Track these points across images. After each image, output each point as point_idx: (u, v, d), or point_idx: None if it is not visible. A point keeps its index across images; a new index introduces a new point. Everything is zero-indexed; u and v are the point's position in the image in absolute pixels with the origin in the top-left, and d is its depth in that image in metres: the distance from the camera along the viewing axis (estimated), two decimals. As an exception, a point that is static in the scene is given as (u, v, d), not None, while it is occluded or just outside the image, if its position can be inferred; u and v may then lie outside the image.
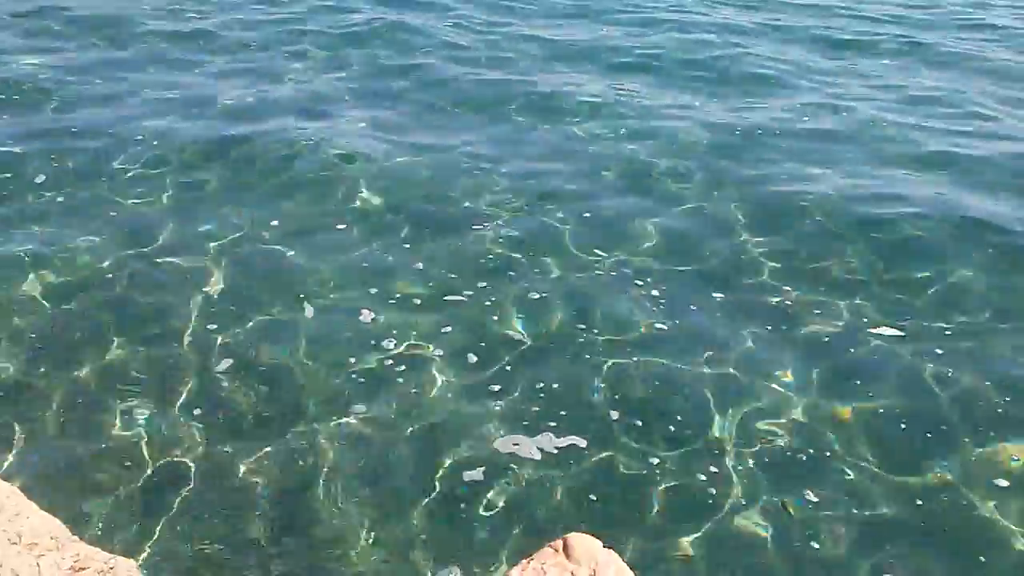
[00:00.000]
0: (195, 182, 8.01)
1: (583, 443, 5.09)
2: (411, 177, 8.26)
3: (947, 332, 6.29)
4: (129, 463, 4.81)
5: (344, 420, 5.17)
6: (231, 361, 5.61)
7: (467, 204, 7.81)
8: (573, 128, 9.71)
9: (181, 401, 5.27)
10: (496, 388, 5.49)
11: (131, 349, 5.68)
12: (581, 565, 3.12)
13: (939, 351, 6.05)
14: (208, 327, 5.91)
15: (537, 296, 6.46)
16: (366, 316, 6.12)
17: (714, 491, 4.83)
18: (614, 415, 5.32)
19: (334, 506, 4.61)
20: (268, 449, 4.95)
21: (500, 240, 7.19)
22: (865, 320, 6.38)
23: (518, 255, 7.00)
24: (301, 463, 4.87)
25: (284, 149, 8.66)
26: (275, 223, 7.31)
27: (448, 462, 4.93)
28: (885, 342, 6.16)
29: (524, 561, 3.18)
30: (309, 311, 6.17)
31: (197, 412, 5.19)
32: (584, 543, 3.17)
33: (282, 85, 10.64)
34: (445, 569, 4.30)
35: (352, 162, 8.47)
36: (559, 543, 3.18)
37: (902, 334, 6.23)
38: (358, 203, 7.76)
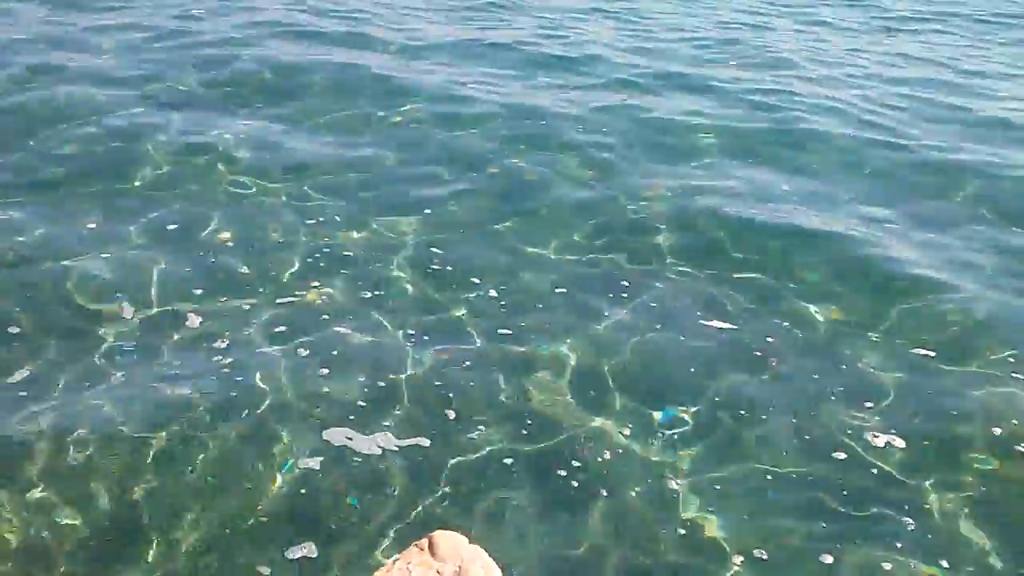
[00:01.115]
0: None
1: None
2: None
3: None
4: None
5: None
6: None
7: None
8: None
9: None
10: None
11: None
12: (447, 562, 3.08)
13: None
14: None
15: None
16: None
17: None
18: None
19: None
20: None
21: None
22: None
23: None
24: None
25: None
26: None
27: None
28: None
29: (389, 562, 3.13)
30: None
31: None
32: (449, 540, 3.13)
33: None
34: None
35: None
36: (424, 542, 3.13)
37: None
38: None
